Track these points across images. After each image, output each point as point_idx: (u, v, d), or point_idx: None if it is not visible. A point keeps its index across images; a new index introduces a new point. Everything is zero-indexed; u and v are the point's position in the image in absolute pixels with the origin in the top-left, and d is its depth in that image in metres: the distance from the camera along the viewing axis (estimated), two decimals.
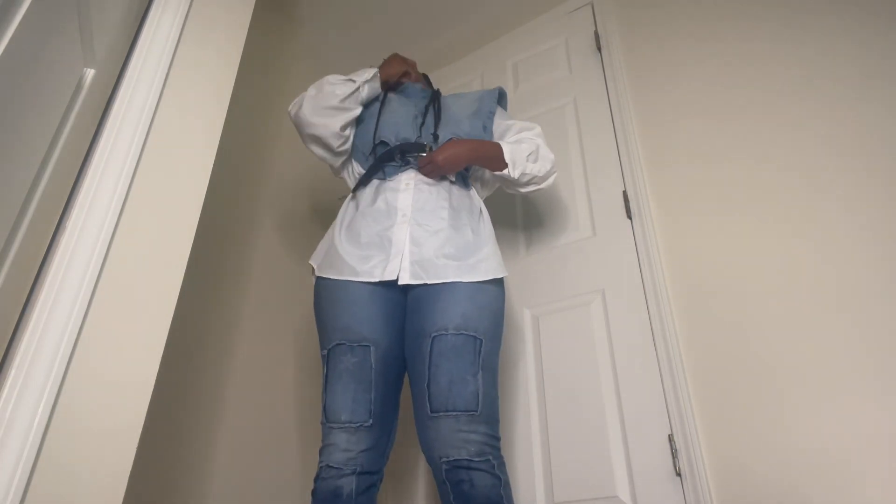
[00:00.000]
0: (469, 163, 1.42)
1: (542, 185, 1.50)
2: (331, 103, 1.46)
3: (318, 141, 1.49)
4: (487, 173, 1.53)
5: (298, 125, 1.51)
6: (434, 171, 1.41)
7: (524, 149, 1.46)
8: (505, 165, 1.43)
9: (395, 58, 1.66)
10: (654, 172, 1.84)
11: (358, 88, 1.49)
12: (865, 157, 1.50)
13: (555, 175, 1.52)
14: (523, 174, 1.44)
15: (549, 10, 2.40)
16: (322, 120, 1.46)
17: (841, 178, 1.51)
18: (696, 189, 1.73)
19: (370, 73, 1.55)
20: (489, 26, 2.53)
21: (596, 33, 2.18)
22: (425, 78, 1.75)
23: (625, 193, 1.86)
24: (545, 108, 2.19)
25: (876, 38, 1.61)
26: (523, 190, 1.50)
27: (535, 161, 1.47)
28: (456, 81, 2.53)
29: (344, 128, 1.48)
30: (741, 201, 1.64)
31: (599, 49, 2.15)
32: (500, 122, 1.57)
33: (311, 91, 1.50)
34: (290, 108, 1.54)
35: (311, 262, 1.46)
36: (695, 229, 1.69)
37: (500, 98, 1.64)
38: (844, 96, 1.59)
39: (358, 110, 1.50)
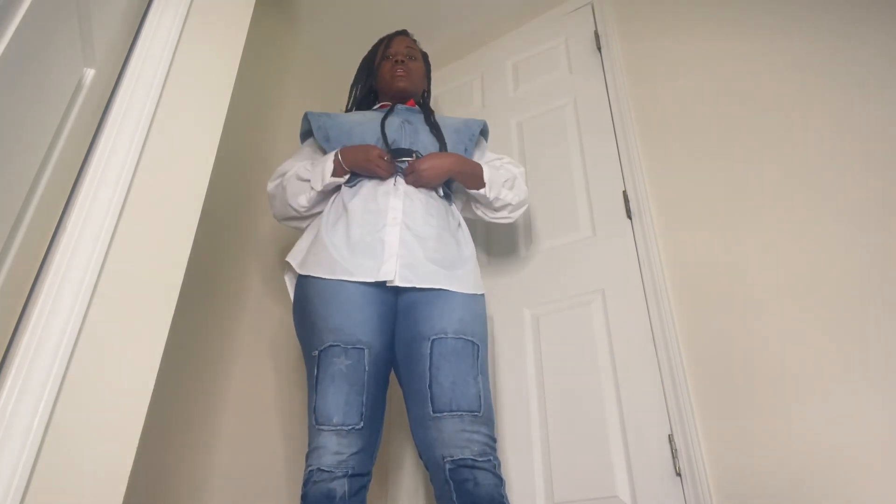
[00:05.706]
0: (450, 175, 1.46)
1: (511, 216, 1.57)
2: (295, 214, 1.51)
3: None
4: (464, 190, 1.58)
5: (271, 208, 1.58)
6: (417, 181, 1.43)
7: (502, 175, 1.53)
8: (483, 185, 1.48)
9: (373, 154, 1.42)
10: (654, 172, 1.84)
11: (317, 192, 1.46)
12: (866, 158, 1.50)
13: (525, 208, 1.60)
14: (497, 198, 1.51)
15: (549, 10, 2.40)
16: (289, 221, 1.55)
17: (841, 178, 1.51)
18: (696, 189, 1.73)
19: (329, 171, 1.43)
20: (489, 26, 2.53)
21: (596, 33, 2.18)
22: (423, 96, 1.73)
23: (625, 193, 1.86)
24: (545, 108, 2.19)
25: (878, 37, 1.61)
26: (491, 215, 1.56)
27: (511, 189, 1.54)
28: (456, 81, 2.53)
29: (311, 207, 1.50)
30: (741, 201, 1.64)
31: (599, 49, 2.15)
32: (484, 152, 1.65)
33: (275, 190, 1.53)
34: (268, 185, 1.57)
35: (289, 259, 1.43)
36: (695, 229, 1.69)
37: (483, 130, 1.68)
38: (846, 96, 1.59)
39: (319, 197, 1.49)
